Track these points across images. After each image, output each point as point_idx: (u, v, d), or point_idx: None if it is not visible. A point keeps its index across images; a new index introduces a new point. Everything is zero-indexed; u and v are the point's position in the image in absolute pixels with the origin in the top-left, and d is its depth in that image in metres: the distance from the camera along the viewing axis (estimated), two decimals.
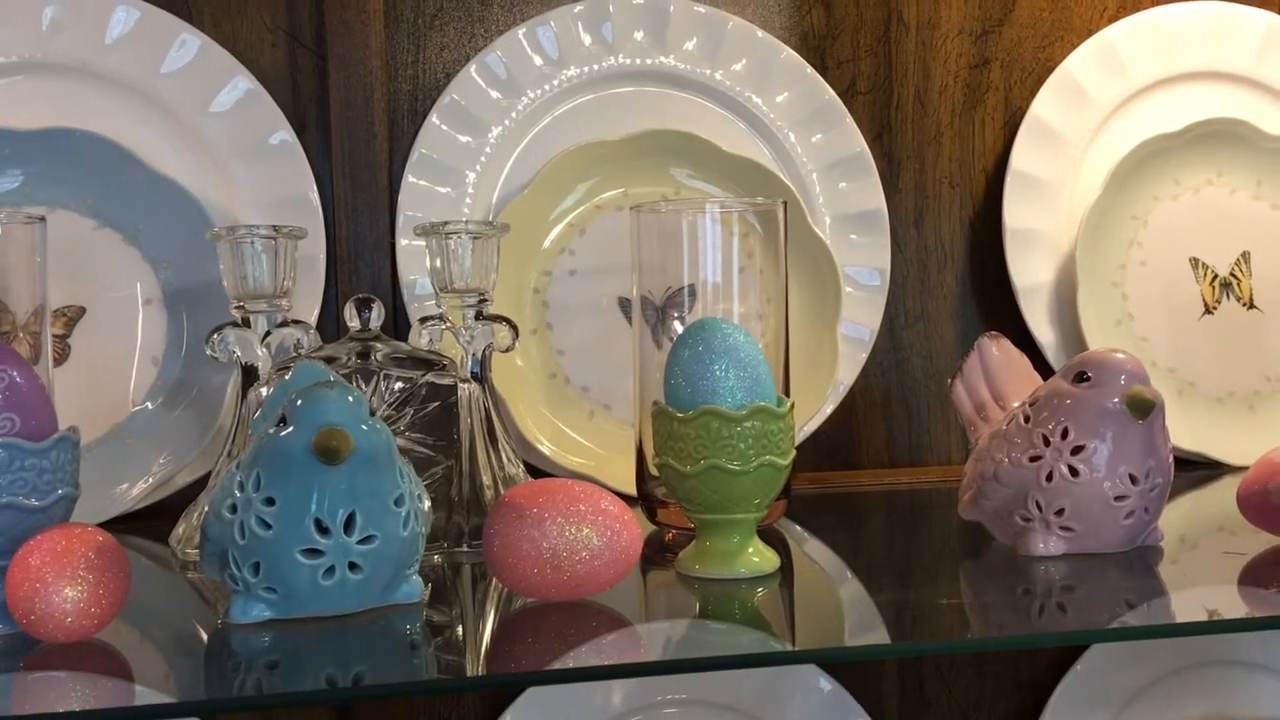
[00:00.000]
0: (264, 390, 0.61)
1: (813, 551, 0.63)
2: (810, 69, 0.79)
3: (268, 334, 0.62)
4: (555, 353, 0.75)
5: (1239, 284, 0.83)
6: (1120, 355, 0.54)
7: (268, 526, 0.46)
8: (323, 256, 0.73)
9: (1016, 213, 0.81)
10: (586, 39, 0.77)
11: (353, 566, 0.47)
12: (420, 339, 0.64)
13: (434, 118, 0.75)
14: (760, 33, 0.79)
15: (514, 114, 0.76)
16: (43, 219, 0.57)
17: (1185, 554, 0.59)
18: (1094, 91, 0.83)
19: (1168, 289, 0.82)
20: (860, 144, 0.80)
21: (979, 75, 0.84)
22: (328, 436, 0.45)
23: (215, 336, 0.62)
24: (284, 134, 0.73)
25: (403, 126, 0.77)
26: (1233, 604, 0.53)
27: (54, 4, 0.71)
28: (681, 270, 0.64)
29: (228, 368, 0.67)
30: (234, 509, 0.47)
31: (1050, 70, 0.83)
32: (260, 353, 0.62)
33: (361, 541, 0.46)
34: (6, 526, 0.46)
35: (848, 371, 0.78)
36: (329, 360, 0.60)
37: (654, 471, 0.64)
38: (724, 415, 0.51)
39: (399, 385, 0.61)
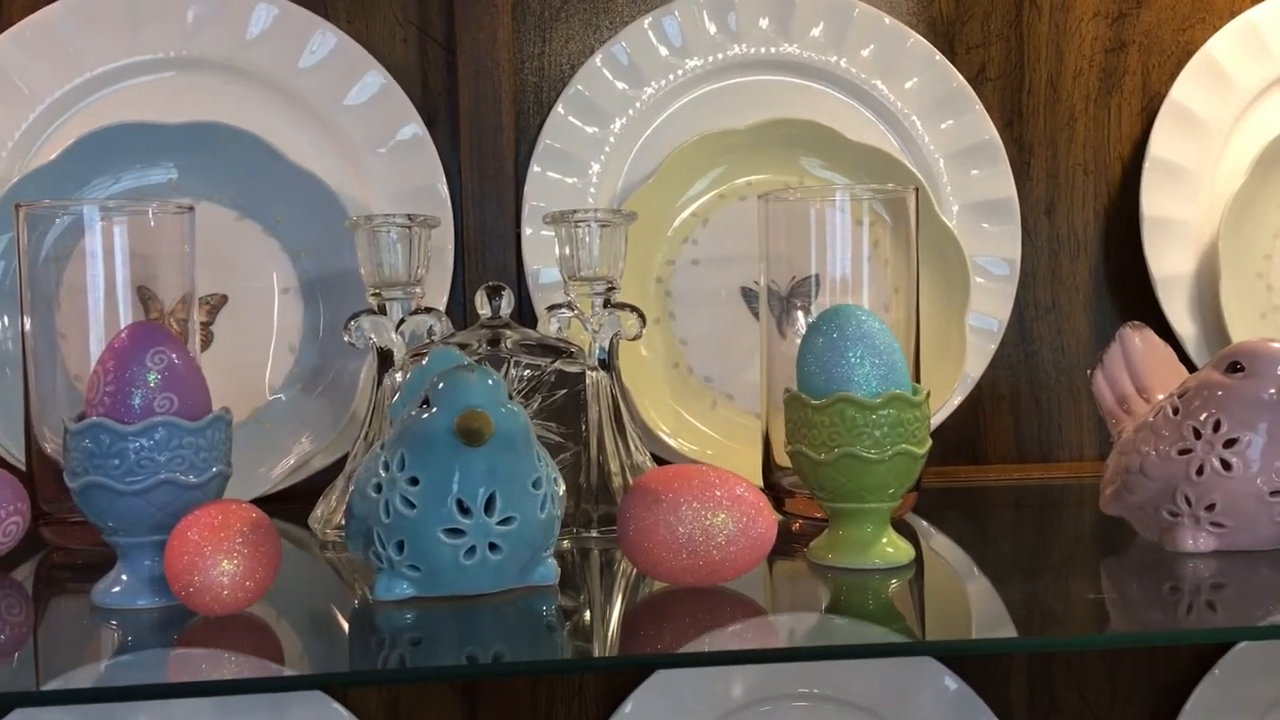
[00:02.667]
0: (399, 376, 0.62)
1: (941, 546, 0.62)
2: (938, 55, 0.78)
3: (402, 321, 0.64)
4: (678, 342, 0.75)
5: None
6: (1276, 344, 0.52)
7: (411, 506, 0.47)
8: (451, 246, 0.75)
9: (1155, 201, 0.79)
10: (711, 28, 0.77)
11: (493, 547, 0.47)
12: (549, 326, 0.64)
13: (559, 108, 0.76)
14: (887, 19, 0.78)
15: (638, 104, 0.77)
16: (191, 209, 0.60)
17: None
18: (1236, 75, 0.80)
19: None
20: (990, 130, 0.78)
21: (1115, 59, 0.81)
22: (469, 418, 0.46)
23: (352, 323, 0.64)
24: (415, 127, 0.75)
25: (529, 118, 0.78)
26: None
27: (197, 2, 0.73)
28: (807, 259, 0.64)
29: (362, 354, 0.68)
30: (379, 488, 0.48)
31: (1190, 53, 0.80)
32: (395, 339, 0.63)
33: (501, 522, 0.47)
34: (165, 502, 0.48)
35: (975, 364, 0.77)
36: (461, 346, 0.61)
37: (780, 462, 0.64)
38: (859, 403, 0.51)
39: (527, 372, 0.62)
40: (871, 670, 0.74)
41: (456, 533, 0.47)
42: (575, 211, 0.63)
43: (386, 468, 0.48)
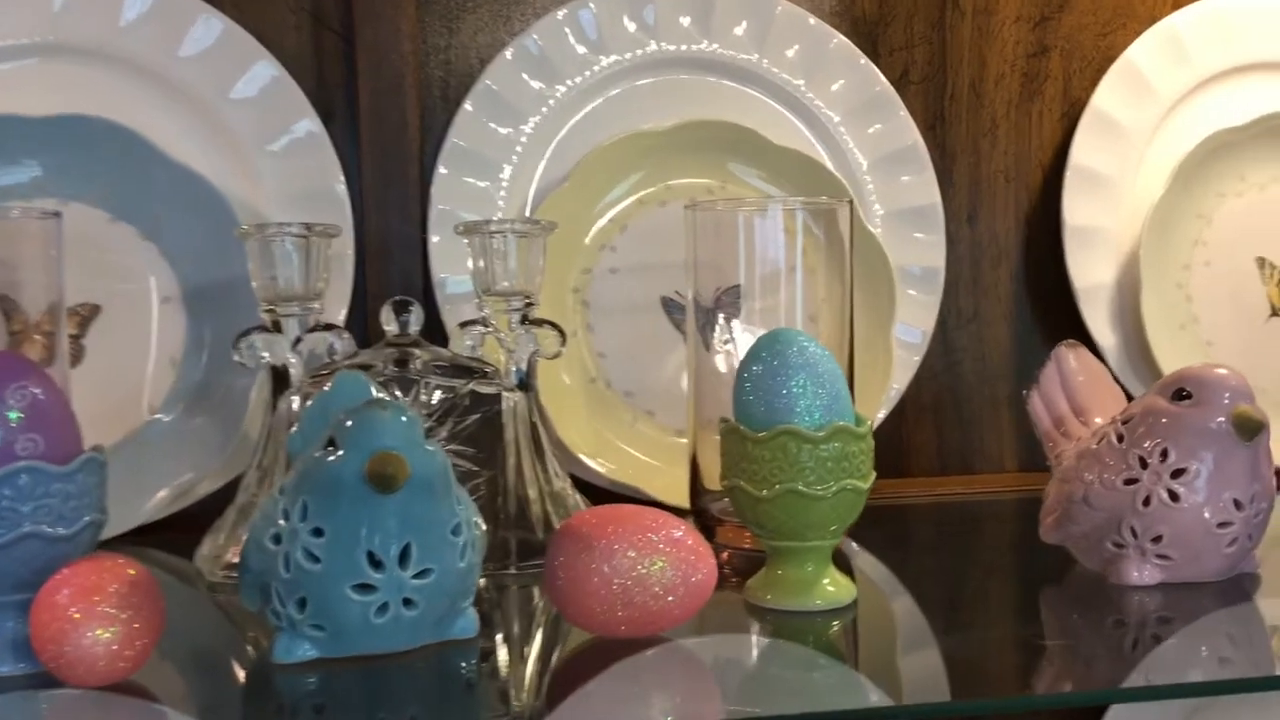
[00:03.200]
0: (295, 399, 0.57)
1: (879, 577, 0.59)
2: (863, 58, 0.75)
3: (299, 339, 0.58)
4: (596, 356, 0.71)
5: None
6: (1223, 371, 0.51)
7: (315, 560, 0.42)
8: (351, 253, 0.69)
9: (1077, 209, 0.77)
10: (629, 23, 0.73)
11: (407, 602, 0.43)
12: (462, 344, 0.60)
13: (468, 105, 0.71)
14: (812, 19, 0.75)
15: (552, 102, 0.72)
16: (58, 214, 0.53)
17: None
18: (1157, 82, 0.79)
19: (1234, 291, 0.78)
20: (914, 136, 0.76)
21: (1037, 64, 0.80)
22: (382, 463, 0.41)
23: (243, 341, 0.58)
24: (309, 123, 0.69)
25: (435, 115, 0.72)
26: None
27: None
28: (732, 269, 0.61)
29: (252, 372, 0.63)
30: (278, 539, 0.43)
31: (1111, 59, 0.79)
32: (291, 359, 0.58)
33: (417, 575, 0.43)
34: (29, 558, 0.42)
35: (901, 375, 0.75)
36: (364, 368, 0.56)
37: (709, 485, 0.61)
38: (803, 436, 0.47)
39: (439, 395, 0.57)
40: None
41: (366, 588, 0.42)
42: (489, 221, 0.59)
43: (286, 516, 0.43)
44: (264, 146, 0.69)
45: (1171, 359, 0.76)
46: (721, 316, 0.62)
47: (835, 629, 0.49)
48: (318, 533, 0.42)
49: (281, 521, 0.43)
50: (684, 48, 0.73)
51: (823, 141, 0.75)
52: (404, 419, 0.43)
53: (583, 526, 0.45)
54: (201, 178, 0.66)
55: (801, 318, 0.60)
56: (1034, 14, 0.80)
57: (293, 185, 0.69)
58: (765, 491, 0.48)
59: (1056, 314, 0.79)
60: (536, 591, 0.55)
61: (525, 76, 0.71)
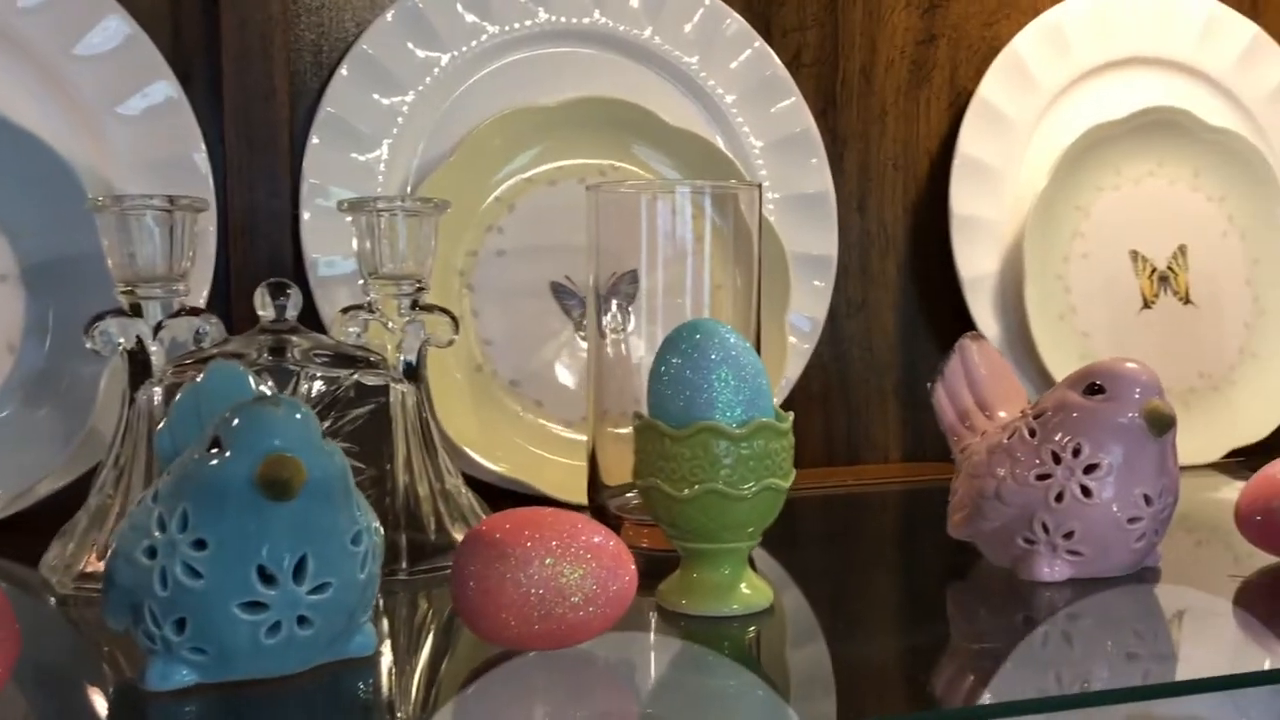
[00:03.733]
0: (157, 390, 0.52)
1: (776, 575, 0.57)
2: (759, 39, 0.73)
3: (160, 324, 0.53)
4: (481, 343, 0.67)
5: (1176, 278, 0.81)
6: (1133, 365, 0.51)
7: (197, 575, 0.37)
8: (213, 230, 0.64)
9: (963, 199, 0.77)
10: None
11: (302, 620, 0.39)
12: (344, 331, 0.55)
13: (344, 71, 0.66)
14: None
15: (435, 71, 0.68)
16: None
17: (1186, 571, 0.56)
18: (1040, 74, 0.80)
19: (1109, 282, 0.80)
20: (808, 120, 0.74)
21: (925, 52, 0.79)
22: (276, 466, 0.37)
23: (97, 326, 0.52)
24: (166, 85, 0.63)
25: (306, 81, 0.67)
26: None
27: None
28: (627, 254, 0.58)
29: (103, 359, 0.57)
30: (153, 552, 0.38)
31: (995, 49, 0.79)
32: (153, 346, 0.52)
33: (314, 590, 0.39)
34: None
35: (794, 365, 0.73)
36: (236, 356, 0.51)
37: (608, 481, 0.58)
38: (725, 433, 0.45)
39: (320, 385, 0.53)
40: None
41: (256, 606, 0.38)
42: (377, 198, 0.54)
43: (163, 527, 0.38)
44: (114, 109, 0.62)
45: (1051, 349, 0.77)
46: (615, 303, 0.59)
47: (752, 634, 0.47)
48: (200, 545, 0.37)
49: (157, 533, 0.38)
50: (576, 20, 0.70)
51: (716, 123, 0.73)
52: (298, 416, 0.39)
53: (495, 532, 0.41)
54: (42, 142, 0.59)
55: (694, 304, 0.58)
56: (922, 1, 0.79)
57: (146, 153, 0.63)
58: (685, 491, 0.45)
59: (942, 303, 0.79)
60: (432, 597, 0.51)
61: (407, 42, 0.67)
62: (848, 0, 0.78)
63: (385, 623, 0.48)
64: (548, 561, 0.40)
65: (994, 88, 0.78)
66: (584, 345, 0.68)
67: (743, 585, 0.47)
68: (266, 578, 0.38)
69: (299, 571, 0.38)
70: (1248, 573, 0.54)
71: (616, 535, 0.42)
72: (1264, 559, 0.54)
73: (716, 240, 0.58)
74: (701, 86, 0.72)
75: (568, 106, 0.67)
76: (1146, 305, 0.81)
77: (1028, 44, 0.79)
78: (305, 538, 0.38)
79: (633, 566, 0.42)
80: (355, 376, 0.53)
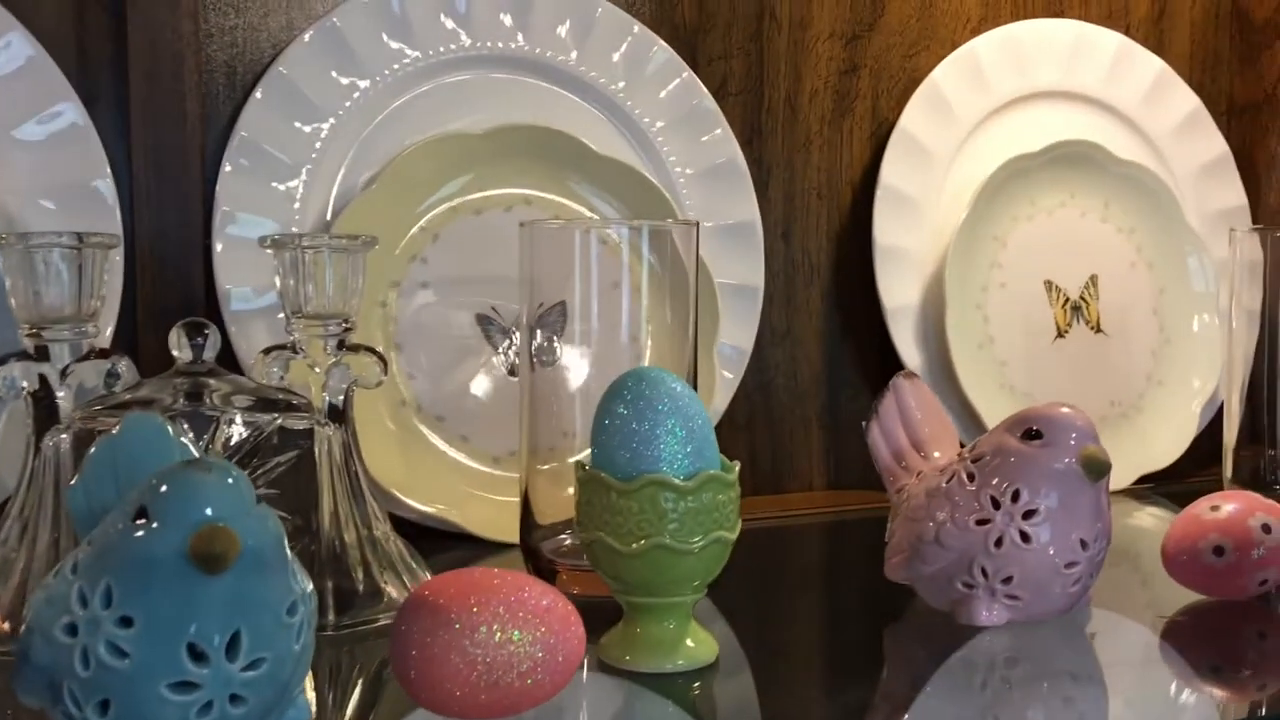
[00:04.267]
0: (65, 438, 0.49)
1: (709, 618, 0.56)
2: (687, 68, 0.72)
3: (68, 368, 0.50)
4: (405, 377, 0.65)
5: (1088, 307, 0.83)
6: (1068, 410, 0.51)
7: (123, 655, 0.35)
8: (120, 261, 0.60)
9: (886, 229, 0.78)
10: (445, 18, 0.67)
11: (234, 699, 0.36)
12: (266, 372, 0.53)
13: (259, 95, 0.64)
14: (636, 26, 0.71)
15: (355, 96, 0.65)
16: None
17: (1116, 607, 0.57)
18: (958, 106, 0.80)
19: (1025, 312, 0.81)
20: (734, 149, 0.74)
21: (848, 82, 0.80)
22: (209, 539, 0.35)
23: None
24: (69, 108, 0.60)
25: (219, 104, 0.64)
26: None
27: None
28: (559, 287, 0.57)
29: (2, 403, 0.53)
30: (73, 630, 0.35)
31: (916, 80, 0.80)
32: (60, 391, 0.49)
33: (248, 667, 0.36)
34: None
35: (721, 395, 0.73)
36: (150, 402, 0.48)
37: (541, 520, 0.56)
38: (673, 486, 0.44)
39: (241, 431, 0.50)
40: None
41: (187, 686, 0.36)
42: (302, 235, 0.52)
43: (85, 602, 0.35)
44: (10, 133, 0.59)
45: (971, 378, 0.78)
46: (543, 334, 0.58)
47: (697, 690, 0.46)
48: (126, 622, 0.35)
49: (78, 609, 0.35)
50: (501, 45, 0.68)
51: (643, 151, 0.72)
52: (230, 481, 0.37)
53: (439, 597, 0.39)
54: None
55: (625, 338, 0.57)
56: (846, 31, 0.79)
57: (46, 179, 0.59)
58: (632, 546, 0.44)
59: (866, 333, 0.79)
60: (354, 655, 0.49)
61: (325, 66, 0.64)
62: (773, 28, 0.77)
63: (311, 685, 0.45)
64: (495, 629, 0.39)
65: (914, 119, 0.79)
66: (510, 377, 0.67)
67: (687, 639, 0.46)
68: (197, 655, 0.36)
69: (232, 648, 0.36)
70: (1172, 611, 0.55)
71: (564, 597, 0.41)
72: (1188, 595, 0.55)
73: (650, 276, 0.57)
74: (629, 114, 0.71)
75: (495, 134, 0.66)
76: (1060, 334, 0.82)
77: (946, 76, 0.80)
78: (238, 612, 0.36)
79: (581, 630, 0.41)
80: (278, 421, 0.51)
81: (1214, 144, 0.87)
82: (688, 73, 0.72)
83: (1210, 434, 0.84)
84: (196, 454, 0.41)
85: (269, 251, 0.52)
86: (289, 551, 0.38)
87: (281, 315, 0.53)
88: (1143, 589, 0.62)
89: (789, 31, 0.78)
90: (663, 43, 0.72)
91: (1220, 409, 0.84)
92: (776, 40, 0.77)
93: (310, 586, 0.39)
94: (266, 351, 0.53)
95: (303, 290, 0.52)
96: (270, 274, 0.53)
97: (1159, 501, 0.79)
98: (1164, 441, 0.82)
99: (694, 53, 0.75)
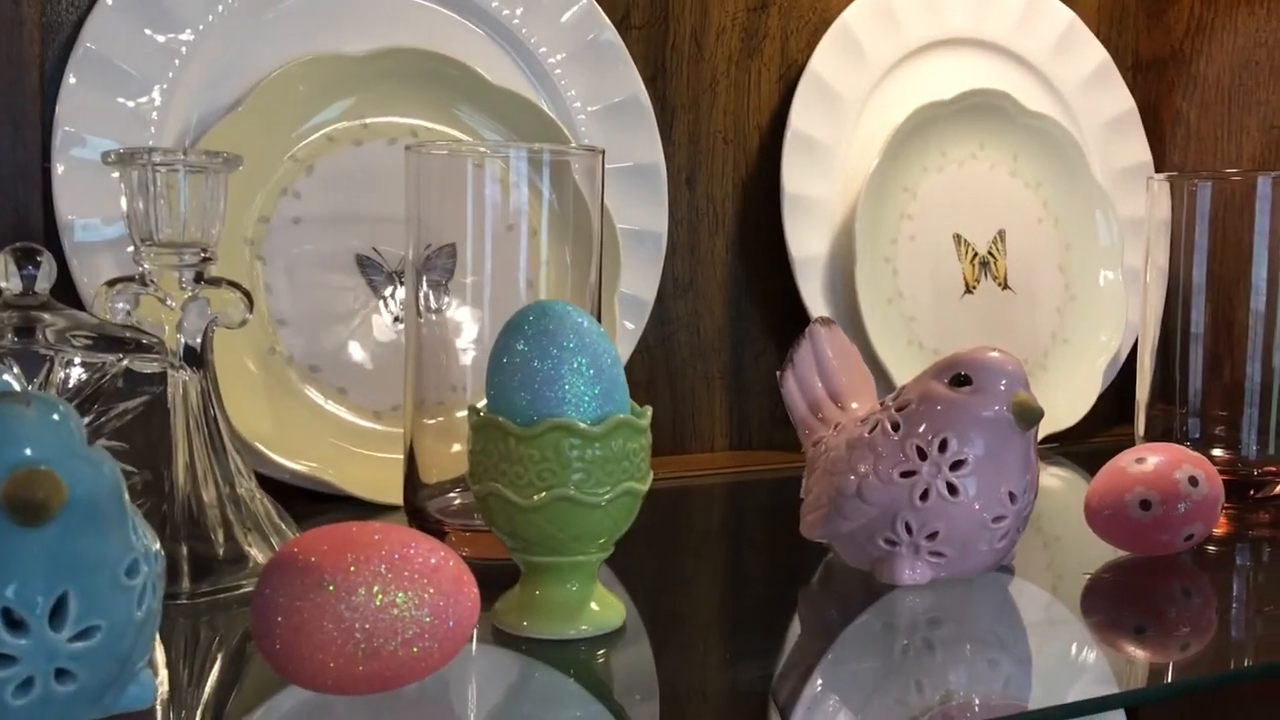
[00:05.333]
0: None
1: (609, 582, 0.51)
2: None
3: None
4: (274, 323, 0.59)
5: (995, 263, 0.81)
6: (998, 355, 0.48)
7: None
8: None
9: (795, 177, 0.74)
10: None
11: (61, 674, 0.31)
12: (111, 308, 0.46)
13: (108, 0, 0.56)
14: None
15: (221, 7, 0.59)
16: None
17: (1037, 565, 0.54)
18: (869, 49, 0.77)
19: (934, 266, 0.78)
20: (638, 86, 0.69)
21: (757, 20, 0.75)
22: (27, 484, 0.29)
23: None
24: None
25: (61, 10, 0.57)
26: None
27: None
28: (449, 226, 0.52)
29: None
30: None
31: (826, 21, 0.76)
32: None
33: (77, 637, 0.31)
34: None
35: (622, 348, 0.68)
36: None
37: (427, 480, 0.51)
38: (579, 432, 0.39)
39: (81, 373, 0.44)
40: None
41: (2, 660, 0.30)
42: (152, 150, 0.46)
43: None
44: None
45: (880, 333, 0.75)
46: (431, 279, 0.53)
47: (602, 658, 0.42)
48: None
49: None
50: None
51: (540, 85, 0.67)
52: (55, 417, 0.31)
53: (310, 555, 0.34)
54: None
55: (521, 281, 0.53)
56: None
57: None
58: (532, 498, 0.39)
59: (773, 284, 0.75)
60: (214, 625, 0.43)
61: None
62: None
63: (163, 661, 0.40)
64: (375, 590, 0.34)
65: (825, 61, 0.75)
66: (394, 325, 0.61)
67: (592, 603, 0.42)
68: (14, 623, 0.30)
69: (57, 614, 0.30)
70: (1096, 568, 0.53)
71: (455, 554, 0.36)
72: (1111, 552, 0.53)
73: (550, 215, 0.52)
74: (525, 44, 0.66)
75: (378, 57, 0.60)
76: (968, 290, 0.80)
77: (857, 17, 0.77)
78: (66, 572, 0.30)
79: (475, 592, 0.36)
80: (124, 362, 0.44)
81: (1121, 99, 0.85)
82: (588, 1, 0.67)
83: (1111, 393, 0.83)
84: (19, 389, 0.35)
85: (114, 172, 0.46)
86: (129, 502, 0.32)
87: (131, 247, 0.47)
88: (1059, 547, 0.60)
89: None
90: None
91: (1123, 367, 0.83)
92: None
93: (156, 545, 0.34)
94: (111, 284, 0.47)
95: (154, 214, 0.45)
96: (119, 202, 0.46)
97: (1062, 462, 0.78)
98: (1068, 400, 0.81)
99: None
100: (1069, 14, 0.84)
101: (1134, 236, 0.80)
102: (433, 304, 0.54)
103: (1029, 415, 0.46)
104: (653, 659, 0.43)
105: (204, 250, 0.46)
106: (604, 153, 0.52)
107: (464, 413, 0.46)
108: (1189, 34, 0.86)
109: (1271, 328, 0.65)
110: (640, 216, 0.69)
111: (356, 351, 0.60)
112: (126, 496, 0.32)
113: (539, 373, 0.39)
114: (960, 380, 0.47)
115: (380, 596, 0.34)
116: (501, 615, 0.42)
